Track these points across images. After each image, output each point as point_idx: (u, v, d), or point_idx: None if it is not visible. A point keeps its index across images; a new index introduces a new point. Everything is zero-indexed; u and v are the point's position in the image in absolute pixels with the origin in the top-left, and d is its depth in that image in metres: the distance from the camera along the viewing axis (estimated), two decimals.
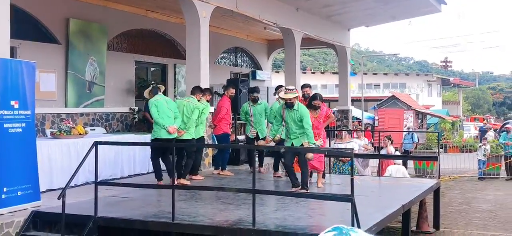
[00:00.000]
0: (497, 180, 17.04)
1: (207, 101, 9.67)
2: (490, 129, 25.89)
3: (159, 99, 8.68)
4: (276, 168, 10.01)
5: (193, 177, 9.36)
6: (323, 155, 8.87)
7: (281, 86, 10.30)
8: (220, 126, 10.20)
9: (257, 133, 10.43)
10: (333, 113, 22.22)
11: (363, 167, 12.91)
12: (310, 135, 7.88)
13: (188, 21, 10.72)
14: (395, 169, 11.89)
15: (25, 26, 10.84)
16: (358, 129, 14.82)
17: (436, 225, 10.00)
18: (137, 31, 13.97)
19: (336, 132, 15.10)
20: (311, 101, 8.58)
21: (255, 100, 10.54)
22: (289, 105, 7.97)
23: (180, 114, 8.84)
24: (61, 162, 8.49)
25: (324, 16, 16.41)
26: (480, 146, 17.96)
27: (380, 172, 12.14)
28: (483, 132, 26.53)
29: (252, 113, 10.45)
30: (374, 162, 14.45)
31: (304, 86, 9.98)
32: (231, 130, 11.21)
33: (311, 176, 8.83)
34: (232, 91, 10.38)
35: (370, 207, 6.98)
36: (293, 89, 8.13)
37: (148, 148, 9.97)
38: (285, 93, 8.07)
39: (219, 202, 7.34)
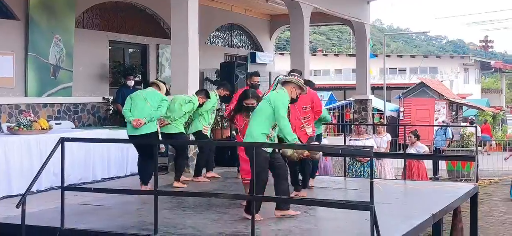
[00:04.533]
0: None
1: (221, 95, 9.89)
2: None
3: (137, 92, 8.88)
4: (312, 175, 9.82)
5: (195, 179, 9.60)
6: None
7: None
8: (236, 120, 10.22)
9: None
10: (349, 104, 22.31)
11: (389, 171, 12.94)
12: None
13: None
14: None
15: None
16: (381, 124, 14.78)
17: None
18: (111, 4, 13.96)
19: (352, 126, 15.12)
20: (243, 101, 7.95)
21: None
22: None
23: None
24: (20, 163, 8.49)
25: None
26: None
27: (405, 174, 12.17)
28: None
29: None
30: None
31: (293, 73, 8.14)
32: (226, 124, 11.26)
33: None
34: (255, 79, 10.00)
35: (393, 217, 7.00)
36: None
37: (125, 146, 10.04)
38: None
39: (212, 211, 7.35)
